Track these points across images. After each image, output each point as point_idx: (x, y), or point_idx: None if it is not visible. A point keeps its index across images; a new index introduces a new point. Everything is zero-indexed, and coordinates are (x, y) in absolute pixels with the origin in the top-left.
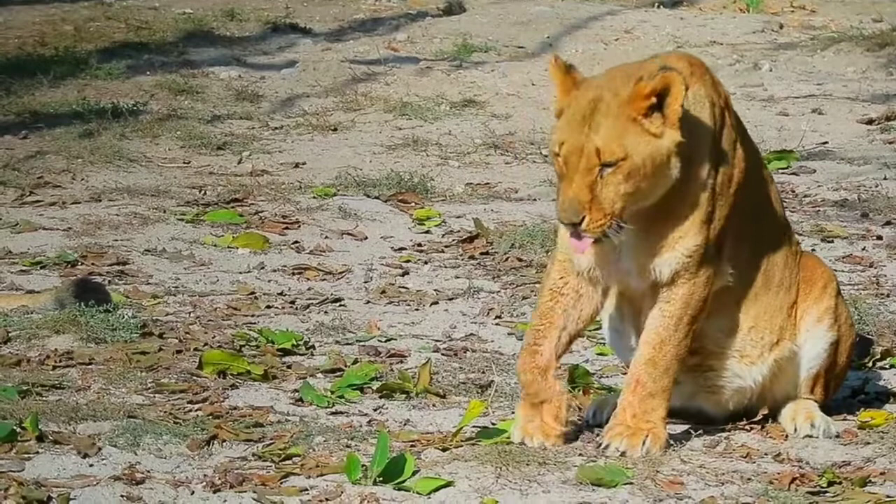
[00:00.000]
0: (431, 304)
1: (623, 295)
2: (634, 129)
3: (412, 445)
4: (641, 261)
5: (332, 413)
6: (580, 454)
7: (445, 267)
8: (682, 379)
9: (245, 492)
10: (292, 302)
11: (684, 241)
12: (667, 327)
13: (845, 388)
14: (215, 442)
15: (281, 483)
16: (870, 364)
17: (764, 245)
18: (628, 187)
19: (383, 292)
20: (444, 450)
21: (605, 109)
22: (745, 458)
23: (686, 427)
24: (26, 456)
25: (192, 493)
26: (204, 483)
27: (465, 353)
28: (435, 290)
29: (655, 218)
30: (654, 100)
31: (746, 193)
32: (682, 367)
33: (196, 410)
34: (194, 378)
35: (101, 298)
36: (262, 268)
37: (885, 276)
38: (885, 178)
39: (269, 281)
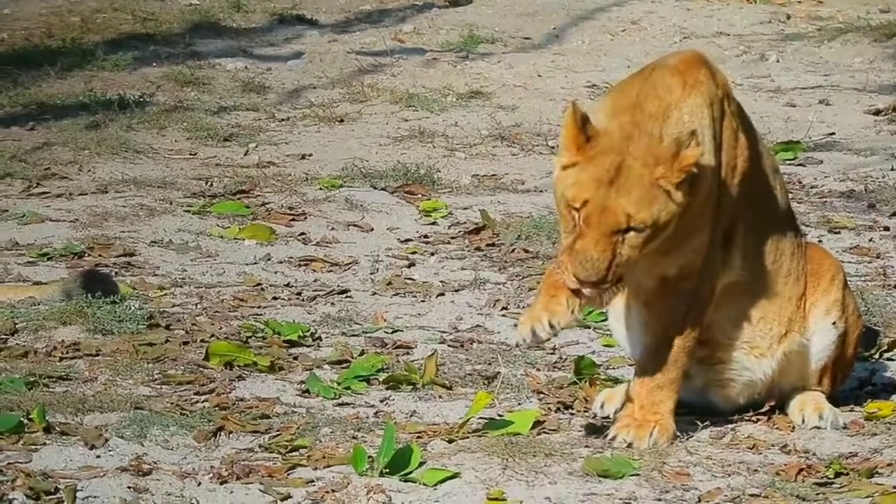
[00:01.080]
0: (438, 296)
1: (630, 288)
2: (662, 197)
3: (418, 437)
4: (651, 258)
5: (339, 404)
6: (587, 446)
7: (452, 258)
8: (693, 372)
9: (252, 483)
10: (299, 293)
11: (693, 237)
12: (674, 320)
13: (852, 379)
14: (222, 433)
15: (287, 474)
16: (877, 355)
17: (772, 235)
18: (644, 249)
19: (389, 284)
20: (450, 441)
21: (632, 175)
22: (751, 449)
23: (693, 418)
24: (33, 447)
25: (199, 484)
26: (211, 474)
27: (471, 344)
28: (441, 281)
29: None
30: (693, 170)
31: (752, 182)
32: (692, 359)
33: (203, 402)
34: (201, 369)
35: (110, 290)
36: (269, 259)
37: (893, 267)
38: (892, 169)
39: (276, 272)
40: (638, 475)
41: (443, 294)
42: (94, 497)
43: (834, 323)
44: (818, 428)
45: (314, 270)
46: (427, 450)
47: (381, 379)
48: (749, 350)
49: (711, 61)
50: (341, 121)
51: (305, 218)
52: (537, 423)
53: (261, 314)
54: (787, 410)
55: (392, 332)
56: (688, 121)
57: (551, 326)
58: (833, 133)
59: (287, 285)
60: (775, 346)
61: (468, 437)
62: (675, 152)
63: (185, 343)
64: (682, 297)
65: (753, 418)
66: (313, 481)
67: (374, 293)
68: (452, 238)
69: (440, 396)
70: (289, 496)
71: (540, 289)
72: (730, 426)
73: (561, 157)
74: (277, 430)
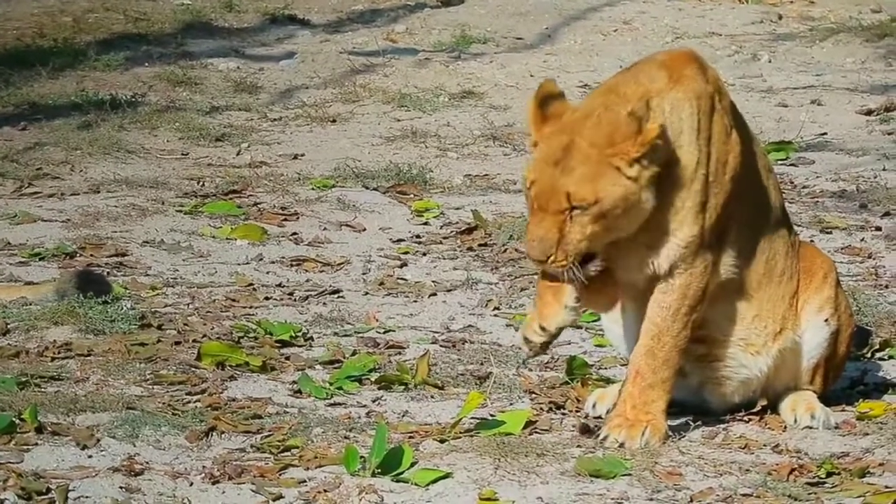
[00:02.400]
0: (430, 296)
1: (622, 286)
2: (607, 173)
3: (410, 437)
4: (640, 253)
5: (331, 404)
6: (578, 445)
7: (444, 258)
8: (689, 370)
9: (244, 483)
10: (291, 293)
11: (680, 231)
12: (665, 318)
13: (844, 378)
14: (214, 433)
15: (279, 474)
16: (868, 355)
17: (766, 234)
18: (596, 227)
19: (382, 284)
20: (442, 441)
21: (577, 155)
22: (743, 449)
23: (685, 418)
24: (25, 447)
25: (191, 484)
26: (203, 474)
27: (463, 344)
28: (433, 281)
29: (653, 210)
30: (643, 149)
31: (745, 180)
32: (687, 358)
33: (195, 402)
34: (193, 369)
35: (103, 290)
36: (261, 259)
37: (884, 266)
38: (883, 169)
39: (268, 272)
40: (630, 475)
41: (435, 294)
42: (86, 497)
43: (826, 320)
44: (810, 428)
45: (306, 270)
46: (419, 450)
47: (373, 379)
48: (745, 347)
49: (703, 59)
50: (333, 121)
51: (297, 218)
52: (529, 423)
53: (253, 314)
54: (779, 410)
55: (384, 332)
56: (668, 111)
57: (542, 329)
58: (825, 133)
59: (279, 285)
60: (770, 344)
61: (460, 438)
62: (637, 128)
63: (177, 343)
64: (674, 295)
65: (745, 418)
66: (305, 481)
67: (366, 293)
68: (444, 238)
69: (432, 396)
70: (281, 496)
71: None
72: (722, 426)
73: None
74: (269, 431)
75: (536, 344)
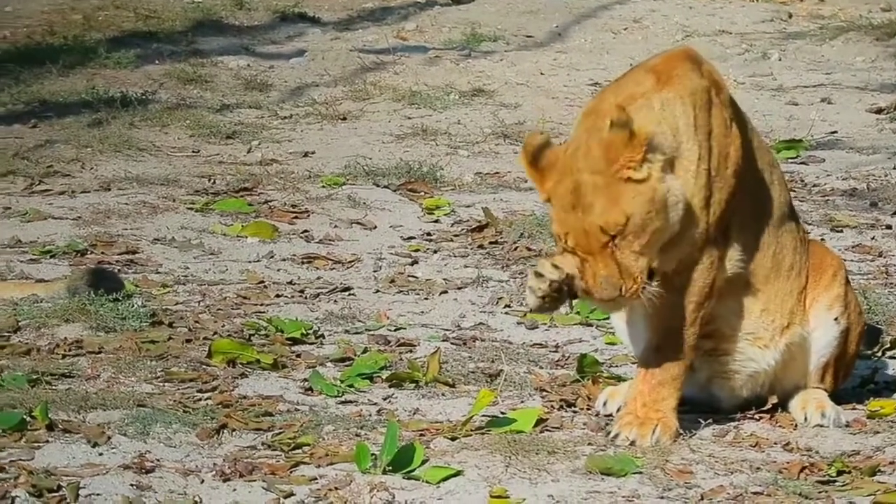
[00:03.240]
0: (441, 294)
1: None
2: (626, 187)
3: (421, 434)
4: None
5: (342, 402)
6: (589, 443)
7: (455, 256)
8: (697, 365)
9: (255, 481)
10: (301, 291)
11: (686, 228)
12: (673, 315)
13: (854, 377)
14: (225, 431)
15: (290, 472)
16: (879, 353)
17: (772, 228)
18: (642, 241)
19: (392, 281)
20: (453, 439)
21: (590, 188)
22: (754, 447)
23: (695, 416)
24: (36, 445)
25: (202, 481)
26: (214, 472)
27: (474, 342)
28: (444, 279)
29: None
30: (638, 153)
31: (748, 174)
32: (696, 353)
33: (206, 399)
34: (204, 367)
35: (116, 287)
36: (272, 257)
37: (895, 265)
38: (894, 168)
39: (279, 270)
40: (640, 473)
41: (446, 292)
42: (97, 494)
43: (836, 318)
44: (821, 426)
45: (317, 268)
46: (430, 447)
47: (383, 376)
48: (753, 341)
49: (698, 55)
50: (344, 118)
51: (308, 215)
52: (540, 421)
53: (264, 312)
54: (790, 408)
55: (395, 330)
56: (658, 108)
57: (555, 267)
58: (835, 131)
59: (290, 283)
60: (778, 338)
61: (471, 435)
62: (627, 135)
63: (188, 340)
64: (682, 291)
65: (756, 416)
66: (316, 479)
67: (377, 291)
68: (455, 236)
69: (443, 394)
70: (292, 494)
71: None
72: (732, 424)
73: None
74: (280, 428)
75: (546, 279)
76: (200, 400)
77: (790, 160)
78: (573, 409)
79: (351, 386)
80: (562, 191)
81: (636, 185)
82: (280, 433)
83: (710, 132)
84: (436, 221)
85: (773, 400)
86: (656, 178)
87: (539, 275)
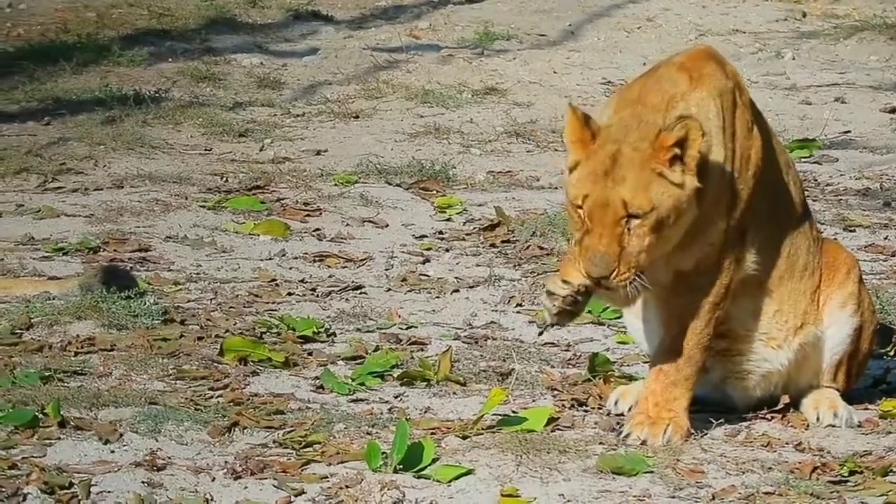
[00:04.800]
0: (452, 292)
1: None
2: (658, 180)
3: (432, 433)
4: (669, 253)
5: (353, 400)
6: (601, 442)
7: (466, 255)
8: (710, 365)
9: (266, 479)
10: (313, 289)
11: (707, 229)
12: (689, 315)
13: (866, 377)
14: (236, 429)
15: (301, 470)
16: (892, 353)
17: (787, 229)
18: (654, 238)
19: (404, 280)
20: (464, 437)
21: (627, 162)
22: (766, 447)
23: (707, 416)
24: (48, 442)
25: (213, 479)
26: (225, 470)
27: (485, 340)
28: (456, 277)
29: None
30: (676, 150)
31: (766, 175)
32: (710, 353)
33: (217, 397)
34: (215, 365)
35: (129, 285)
36: (284, 255)
37: None
38: None
39: (291, 268)
40: (652, 472)
41: (457, 290)
42: (109, 492)
43: (849, 316)
44: (833, 426)
45: (329, 266)
46: (441, 446)
47: (395, 375)
48: (767, 341)
49: (720, 55)
50: (356, 117)
51: (320, 214)
52: (551, 420)
53: (275, 310)
54: (802, 408)
55: (406, 329)
56: (694, 112)
57: (565, 282)
58: (848, 131)
59: (302, 281)
60: (791, 338)
61: (482, 434)
62: (668, 136)
63: (200, 338)
64: (698, 292)
65: (768, 416)
66: (327, 477)
67: (389, 289)
68: (467, 234)
69: (454, 393)
70: (302, 492)
71: None
72: (744, 424)
73: (567, 158)
74: (291, 426)
75: (559, 297)
76: (212, 398)
77: (803, 159)
78: (584, 408)
79: (362, 384)
80: (601, 155)
81: (669, 185)
82: (291, 431)
83: (734, 134)
84: (448, 220)
85: (786, 400)
86: (689, 187)
87: (551, 293)
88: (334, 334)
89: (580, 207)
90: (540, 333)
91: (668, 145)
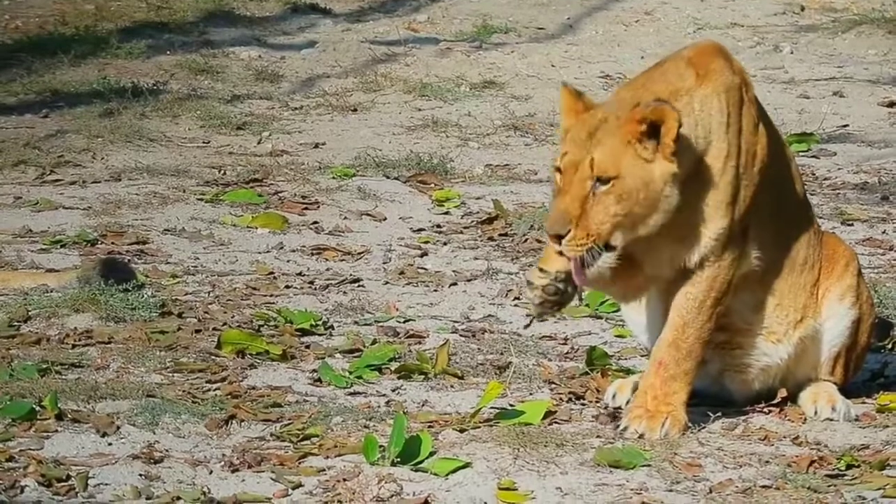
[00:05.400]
0: (450, 285)
1: (648, 279)
2: (629, 151)
3: (430, 426)
4: (671, 248)
5: (351, 393)
6: (598, 436)
7: (464, 248)
8: (709, 357)
9: (263, 471)
10: (311, 282)
11: (712, 224)
12: (690, 309)
13: (864, 371)
14: (234, 421)
15: (299, 463)
16: (889, 347)
17: (788, 223)
18: (618, 209)
19: (402, 273)
20: (461, 431)
21: (606, 129)
22: (763, 440)
23: (704, 409)
24: (45, 434)
25: (211, 472)
26: (222, 462)
27: (483, 334)
28: (454, 271)
29: (683, 205)
30: (644, 127)
31: (770, 171)
32: (709, 346)
33: (214, 390)
34: (213, 358)
35: (127, 278)
36: (281, 248)
37: None
38: None
39: (288, 261)
40: (649, 466)
41: (455, 284)
42: (106, 484)
43: (848, 308)
44: (830, 420)
45: (326, 259)
46: (438, 439)
47: (392, 368)
48: (767, 335)
49: (727, 50)
50: (354, 110)
51: (318, 207)
52: (549, 414)
53: (273, 303)
54: (799, 402)
55: (404, 322)
56: (698, 109)
57: (542, 271)
58: (847, 125)
59: (299, 274)
60: (791, 332)
61: (479, 427)
62: (639, 111)
63: (198, 331)
64: (701, 287)
65: (765, 409)
66: (324, 470)
67: (387, 282)
68: (465, 228)
69: (452, 386)
70: (300, 485)
71: None
72: (741, 417)
73: (560, 128)
74: (289, 419)
75: (538, 287)
76: (209, 390)
77: (801, 153)
78: (582, 401)
79: (360, 377)
80: (589, 121)
81: (638, 159)
82: (289, 424)
83: (740, 130)
84: (446, 213)
85: (783, 394)
86: (659, 171)
87: (530, 283)
88: (332, 327)
89: (559, 169)
90: (526, 326)
91: (636, 119)
